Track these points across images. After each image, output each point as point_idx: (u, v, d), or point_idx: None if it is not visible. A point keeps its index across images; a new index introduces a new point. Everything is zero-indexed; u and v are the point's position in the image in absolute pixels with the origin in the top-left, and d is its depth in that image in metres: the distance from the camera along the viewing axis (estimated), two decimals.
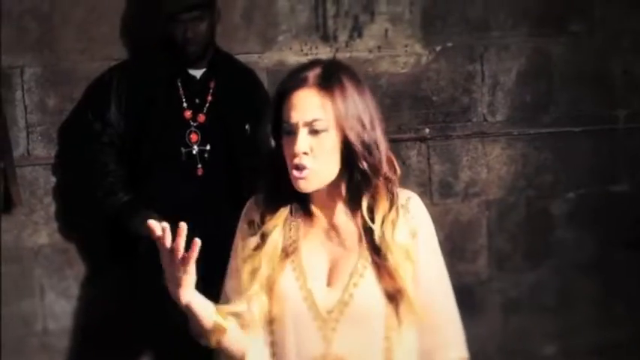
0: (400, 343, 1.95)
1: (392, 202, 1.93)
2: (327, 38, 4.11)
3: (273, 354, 2.01)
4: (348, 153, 1.87)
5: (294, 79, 1.91)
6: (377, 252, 1.93)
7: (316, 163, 1.86)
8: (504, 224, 4.40)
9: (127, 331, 3.91)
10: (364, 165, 1.87)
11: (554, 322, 4.46)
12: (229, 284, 2.08)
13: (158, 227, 1.72)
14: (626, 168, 4.47)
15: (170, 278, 1.80)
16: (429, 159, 4.27)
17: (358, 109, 1.87)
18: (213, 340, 1.94)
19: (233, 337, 1.97)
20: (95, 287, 4.03)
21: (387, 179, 1.93)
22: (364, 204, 1.92)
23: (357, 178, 1.90)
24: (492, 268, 4.41)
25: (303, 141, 1.85)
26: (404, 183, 2.06)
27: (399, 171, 2.01)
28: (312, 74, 1.89)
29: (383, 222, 1.92)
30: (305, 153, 1.85)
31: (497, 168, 4.36)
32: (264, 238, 2.00)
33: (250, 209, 2.09)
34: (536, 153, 4.38)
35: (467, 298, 4.14)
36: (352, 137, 1.86)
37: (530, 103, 4.33)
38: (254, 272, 1.98)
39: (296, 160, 1.86)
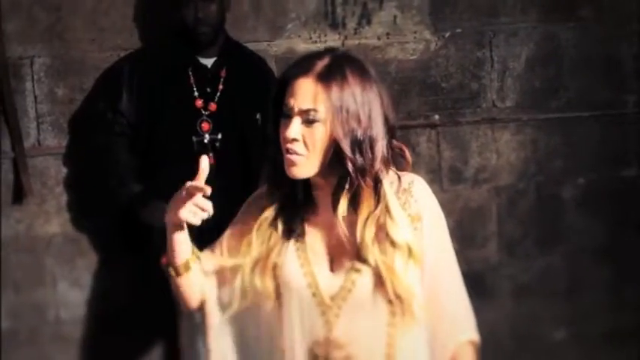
0: (405, 331, 1.95)
1: (378, 202, 1.92)
2: (335, 26, 4.11)
3: (280, 335, 2.04)
4: (339, 148, 1.87)
5: (299, 66, 1.92)
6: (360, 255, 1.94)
7: (306, 151, 1.87)
8: (514, 210, 4.40)
9: (139, 321, 3.94)
10: (350, 163, 1.87)
11: (564, 307, 4.46)
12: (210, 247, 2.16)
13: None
14: (636, 152, 4.46)
15: (178, 203, 1.97)
16: (438, 145, 4.27)
17: (356, 105, 1.86)
18: (177, 271, 2.06)
19: (192, 278, 2.08)
20: (107, 276, 4.05)
21: (377, 180, 1.92)
22: (342, 202, 1.91)
23: (343, 175, 1.90)
24: (502, 253, 4.41)
25: (295, 128, 1.86)
26: (414, 170, 2.05)
27: (409, 161, 2.01)
28: (317, 64, 1.90)
29: (365, 224, 1.91)
30: (295, 139, 1.86)
31: (507, 154, 4.36)
32: (261, 215, 2.03)
33: (258, 194, 2.12)
34: (546, 138, 4.38)
35: (477, 283, 4.16)
36: (340, 133, 1.85)
37: (539, 88, 4.33)
38: (248, 245, 2.02)
39: (287, 145, 1.88)
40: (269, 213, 2.02)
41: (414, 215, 1.94)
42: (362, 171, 1.86)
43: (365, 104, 1.87)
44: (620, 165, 4.47)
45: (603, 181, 4.44)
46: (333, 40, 4.07)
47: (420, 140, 4.24)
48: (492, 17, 4.22)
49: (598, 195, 4.44)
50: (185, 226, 1.99)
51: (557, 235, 4.43)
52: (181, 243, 2.02)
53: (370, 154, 1.87)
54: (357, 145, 1.85)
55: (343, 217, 1.91)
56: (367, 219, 1.89)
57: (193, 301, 2.12)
